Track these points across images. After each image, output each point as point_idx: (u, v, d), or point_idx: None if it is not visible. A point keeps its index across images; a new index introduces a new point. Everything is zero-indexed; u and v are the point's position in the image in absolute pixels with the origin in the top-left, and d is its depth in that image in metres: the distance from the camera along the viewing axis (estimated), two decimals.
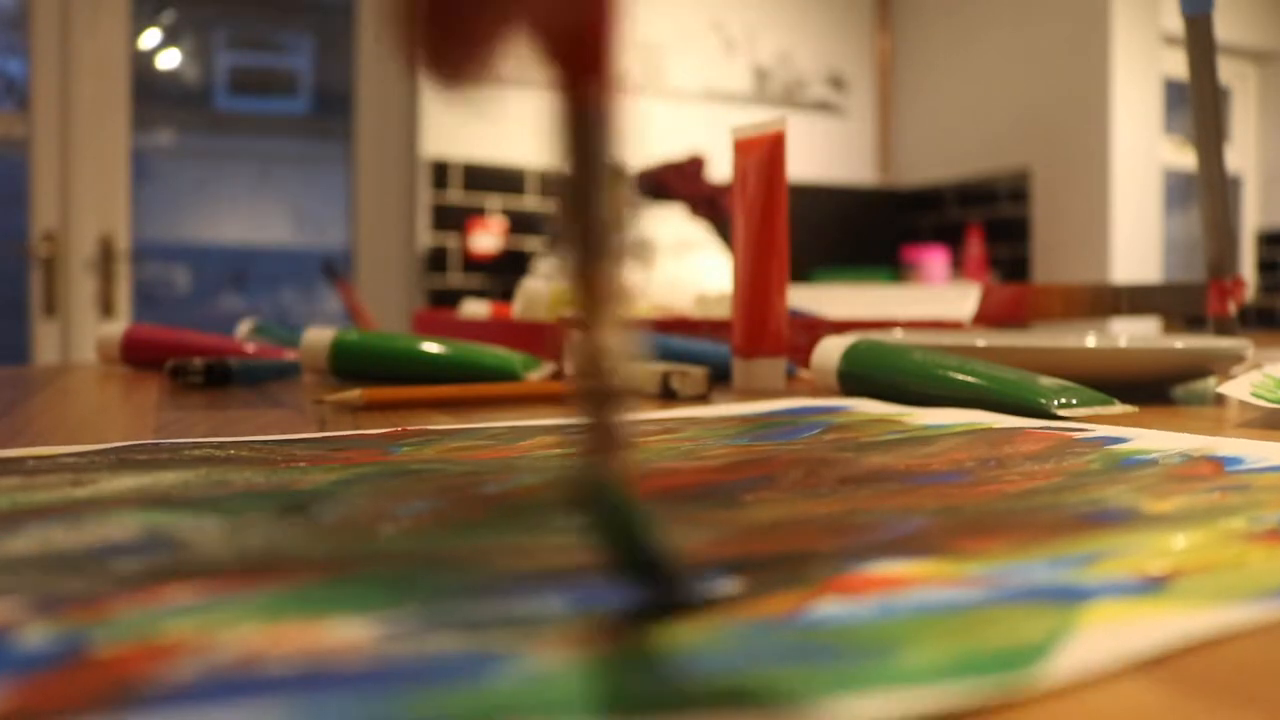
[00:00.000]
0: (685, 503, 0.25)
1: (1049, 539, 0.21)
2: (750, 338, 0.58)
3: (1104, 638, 0.15)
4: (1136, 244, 2.46)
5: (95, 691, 0.12)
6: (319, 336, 0.58)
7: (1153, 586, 0.18)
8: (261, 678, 0.13)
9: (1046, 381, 0.45)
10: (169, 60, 2.56)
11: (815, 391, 0.56)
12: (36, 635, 0.14)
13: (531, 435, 0.36)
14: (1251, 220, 2.84)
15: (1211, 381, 0.60)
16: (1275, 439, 0.37)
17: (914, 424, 0.39)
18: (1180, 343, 0.52)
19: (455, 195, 2.50)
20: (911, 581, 0.18)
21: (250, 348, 0.68)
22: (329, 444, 0.34)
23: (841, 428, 0.38)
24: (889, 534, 0.22)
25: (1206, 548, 0.20)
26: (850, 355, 0.50)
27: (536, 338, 0.69)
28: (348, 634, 0.14)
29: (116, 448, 0.32)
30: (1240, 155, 2.79)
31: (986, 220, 2.74)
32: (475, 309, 1.03)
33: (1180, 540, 0.21)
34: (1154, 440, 0.35)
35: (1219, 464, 0.30)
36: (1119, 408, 0.44)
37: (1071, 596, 0.17)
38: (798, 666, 0.13)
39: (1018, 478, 0.29)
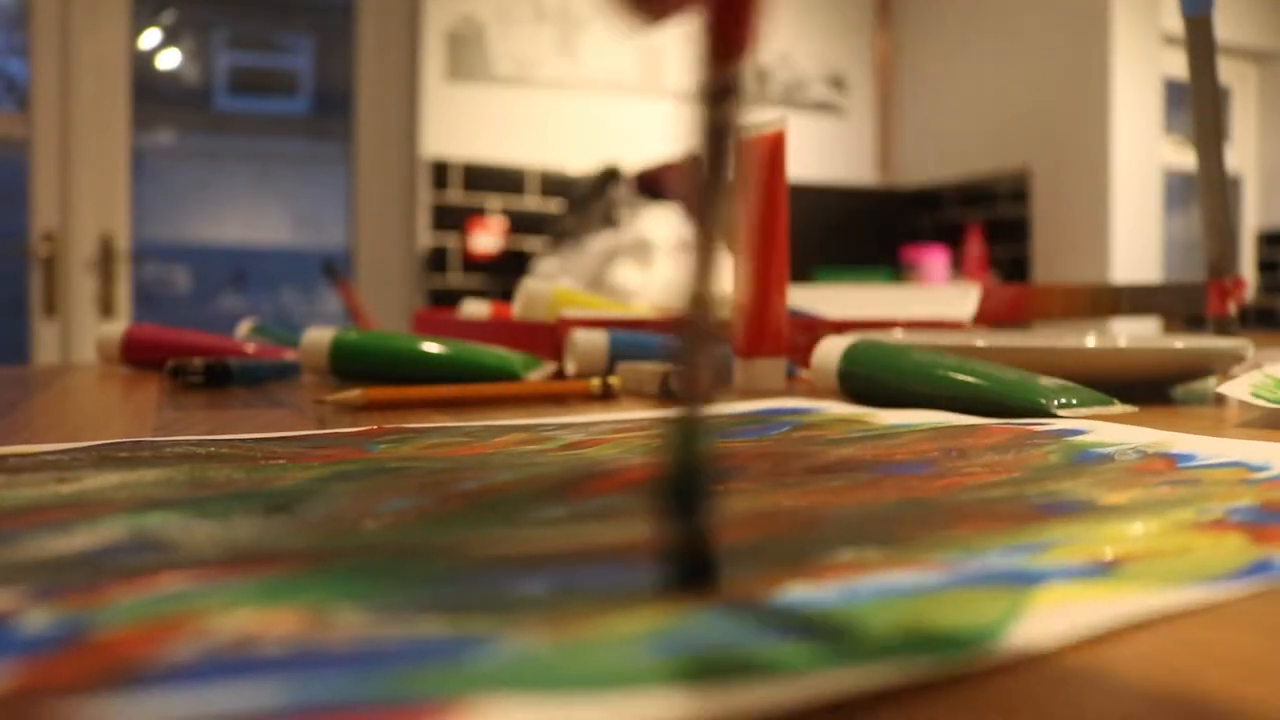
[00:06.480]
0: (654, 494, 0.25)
1: (1007, 528, 0.22)
2: (750, 338, 0.58)
3: (1054, 617, 0.16)
4: (1136, 244, 2.46)
5: (96, 672, 0.13)
6: (319, 336, 0.58)
7: (1102, 570, 0.18)
8: (256, 658, 0.13)
9: (1046, 381, 0.45)
10: (169, 60, 2.56)
11: (815, 391, 0.56)
12: (38, 620, 0.15)
13: (505, 433, 0.37)
14: (1251, 220, 2.84)
15: (1211, 381, 0.60)
16: (1274, 439, 0.37)
17: (880, 423, 0.40)
18: (1180, 343, 0.52)
19: (455, 195, 2.50)
20: (873, 567, 0.18)
21: (250, 348, 0.68)
22: (308, 441, 0.34)
23: (809, 426, 0.39)
24: (854, 522, 0.22)
25: (1154, 536, 0.21)
26: (850, 355, 0.50)
27: (536, 338, 0.69)
28: (337, 618, 0.15)
29: (98, 445, 0.32)
30: (1240, 155, 2.79)
31: (986, 220, 2.74)
32: (475, 309, 1.03)
33: (1130, 529, 0.22)
34: (1111, 433, 0.36)
35: (1172, 460, 0.31)
36: (1119, 408, 0.44)
37: (1025, 580, 0.18)
38: (765, 644, 0.14)
39: (980, 469, 0.30)
